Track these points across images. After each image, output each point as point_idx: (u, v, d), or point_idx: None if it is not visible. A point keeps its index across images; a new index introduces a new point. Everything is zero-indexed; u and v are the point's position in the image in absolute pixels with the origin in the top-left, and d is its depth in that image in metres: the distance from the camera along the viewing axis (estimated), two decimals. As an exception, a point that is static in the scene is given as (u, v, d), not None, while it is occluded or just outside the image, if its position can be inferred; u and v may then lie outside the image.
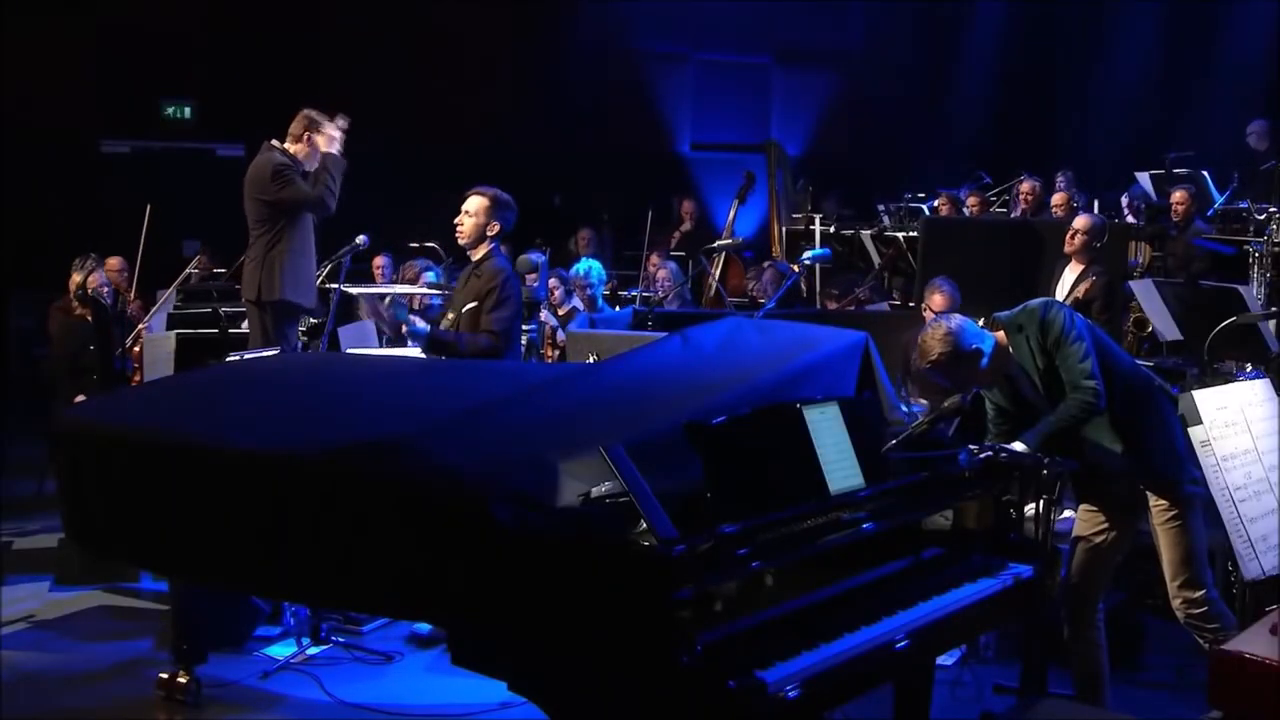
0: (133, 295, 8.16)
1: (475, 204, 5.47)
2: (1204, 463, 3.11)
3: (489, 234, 5.46)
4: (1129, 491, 4.01)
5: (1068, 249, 7.12)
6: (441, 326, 5.48)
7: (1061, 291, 7.04)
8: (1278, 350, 5.97)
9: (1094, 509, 4.09)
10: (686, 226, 11.79)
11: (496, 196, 5.48)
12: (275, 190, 6.01)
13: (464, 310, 5.35)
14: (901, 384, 5.69)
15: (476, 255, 5.49)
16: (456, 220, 5.51)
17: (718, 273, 9.86)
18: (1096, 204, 10.60)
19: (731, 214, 10.98)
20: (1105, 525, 4.05)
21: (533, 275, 7.15)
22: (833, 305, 8.97)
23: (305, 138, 6.17)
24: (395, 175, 11.69)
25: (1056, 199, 9.89)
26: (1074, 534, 4.14)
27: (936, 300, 6.29)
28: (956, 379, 3.95)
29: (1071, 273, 7.10)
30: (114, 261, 8.43)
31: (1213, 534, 4.08)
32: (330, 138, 6.20)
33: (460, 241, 5.59)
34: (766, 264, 10.38)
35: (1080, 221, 7.19)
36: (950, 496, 3.55)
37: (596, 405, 3.46)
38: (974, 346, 3.91)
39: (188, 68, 12.59)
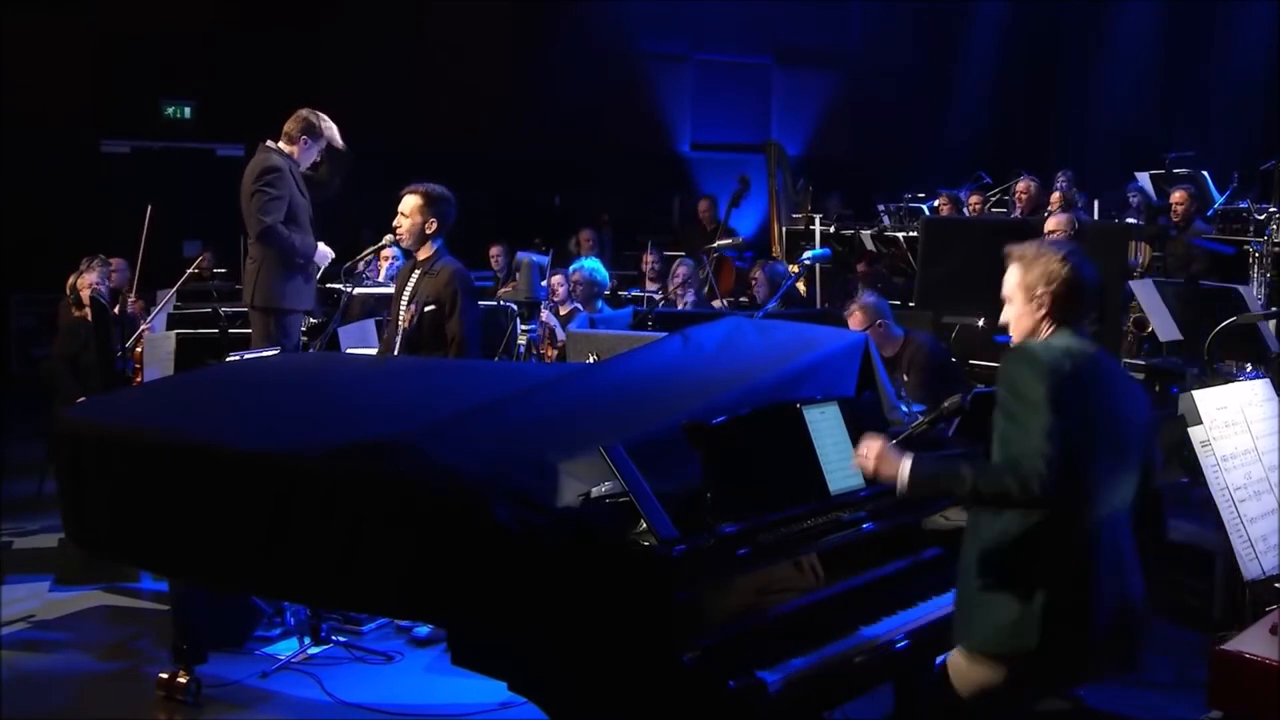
0: (133, 295, 8.16)
1: (409, 203, 5.36)
2: (1204, 463, 3.11)
3: (428, 232, 5.34)
4: None
5: None
6: (400, 325, 5.36)
7: None
8: (1278, 350, 5.97)
9: None
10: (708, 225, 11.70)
11: (429, 192, 5.35)
12: (251, 189, 5.93)
13: (426, 310, 5.25)
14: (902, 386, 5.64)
15: (423, 255, 5.38)
16: (395, 223, 5.41)
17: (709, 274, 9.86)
18: (1097, 204, 10.61)
19: (724, 218, 11.00)
20: None
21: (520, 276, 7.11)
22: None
23: (302, 140, 6.12)
24: (395, 175, 11.63)
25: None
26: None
27: (855, 318, 6.06)
28: None
29: None
30: (115, 261, 8.44)
31: (1214, 534, 4.06)
32: (316, 140, 6.13)
33: (401, 244, 5.51)
34: (762, 263, 10.39)
35: (1051, 223, 7.10)
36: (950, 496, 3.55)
37: (596, 405, 3.46)
38: None
39: (188, 68, 12.59)
